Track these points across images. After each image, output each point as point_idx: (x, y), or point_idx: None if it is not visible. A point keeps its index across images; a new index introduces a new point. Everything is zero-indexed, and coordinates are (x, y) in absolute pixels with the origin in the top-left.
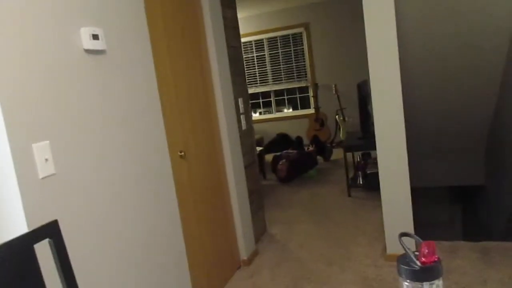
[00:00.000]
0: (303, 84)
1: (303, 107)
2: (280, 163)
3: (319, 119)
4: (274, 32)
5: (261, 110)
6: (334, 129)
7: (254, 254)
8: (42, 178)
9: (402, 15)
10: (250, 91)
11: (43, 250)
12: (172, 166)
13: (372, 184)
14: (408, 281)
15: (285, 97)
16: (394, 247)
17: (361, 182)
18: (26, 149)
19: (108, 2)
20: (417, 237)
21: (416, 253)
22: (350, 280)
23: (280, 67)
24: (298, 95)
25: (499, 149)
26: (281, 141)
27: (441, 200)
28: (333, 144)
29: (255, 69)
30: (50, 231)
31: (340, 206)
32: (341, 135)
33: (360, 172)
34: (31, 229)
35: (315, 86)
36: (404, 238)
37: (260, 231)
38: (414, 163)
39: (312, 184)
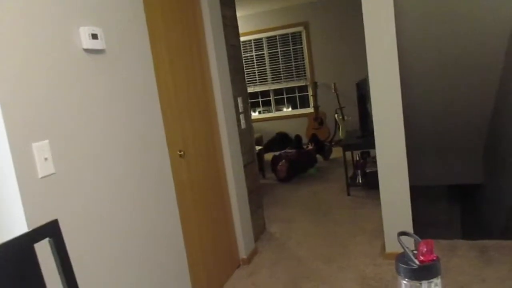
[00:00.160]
0: (302, 83)
1: (302, 106)
2: (280, 163)
3: (318, 118)
4: (273, 31)
5: (261, 109)
6: (333, 128)
7: (254, 253)
8: (42, 178)
9: (401, 13)
10: (249, 90)
11: (43, 250)
12: (172, 165)
13: (371, 183)
14: (406, 279)
15: (284, 96)
16: (393, 246)
17: (360, 181)
18: (25, 149)
19: (107, 1)
20: (416, 236)
21: (415, 251)
22: (349, 279)
23: (279, 66)
24: (297, 94)
25: (497, 148)
26: (281, 140)
27: (440, 198)
28: (332, 143)
29: (254, 68)
30: (50, 230)
31: (339, 205)
32: (340, 134)
33: (359, 171)
34: (31, 228)
35: (314, 85)
36: (403, 237)
37: (259, 230)
38: (413, 161)
39: (311, 183)
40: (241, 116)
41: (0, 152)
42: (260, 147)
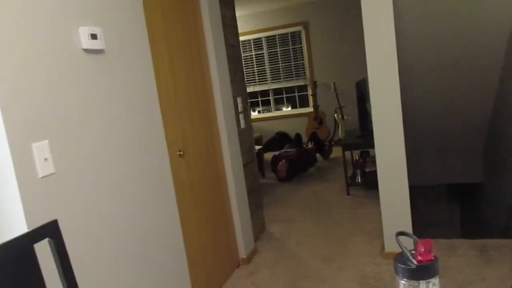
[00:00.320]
0: (301, 83)
1: (302, 106)
2: (280, 163)
3: (317, 118)
4: (273, 30)
5: (260, 108)
6: (333, 128)
7: (253, 252)
8: (42, 178)
9: (401, 14)
10: (249, 89)
11: (43, 250)
12: (171, 165)
13: (370, 183)
14: (404, 279)
15: (284, 95)
16: (392, 245)
17: (359, 181)
18: (25, 149)
19: (107, 2)
20: (414, 236)
21: (413, 251)
22: (348, 278)
23: (279, 66)
24: (296, 94)
25: (497, 148)
26: (280, 140)
27: (440, 198)
28: (332, 143)
29: (253, 67)
30: (50, 230)
31: (339, 205)
32: (339, 133)
33: (358, 171)
34: (31, 228)
35: (314, 85)
36: (401, 237)
37: (259, 229)
38: (413, 161)
39: (311, 182)
40: (241, 116)
41: (0, 152)
42: (259, 147)
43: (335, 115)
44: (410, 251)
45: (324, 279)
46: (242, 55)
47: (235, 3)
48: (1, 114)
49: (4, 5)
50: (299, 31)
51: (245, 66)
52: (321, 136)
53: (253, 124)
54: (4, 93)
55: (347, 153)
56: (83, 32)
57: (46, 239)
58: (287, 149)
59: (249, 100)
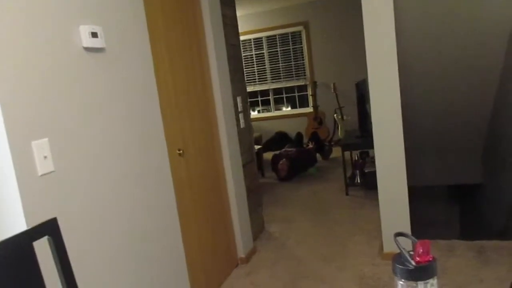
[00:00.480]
0: (301, 83)
1: (301, 106)
2: (281, 162)
3: (317, 118)
4: (273, 30)
5: (260, 108)
6: (332, 128)
7: (252, 252)
8: (41, 176)
9: (401, 14)
10: (249, 89)
11: (42, 248)
12: (171, 164)
13: (370, 183)
14: (403, 280)
15: (284, 95)
16: (391, 246)
17: (359, 181)
18: (25, 147)
19: (107, 0)
20: (412, 237)
21: (411, 252)
22: (347, 278)
23: (279, 66)
24: (296, 94)
25: (497, 148)
26: (280, 140)
27: (439, 199)
28: (332, 143)
29: (254, 67)
30: (49, 228)
31: (338, 205)
32: (339, 133)
33: (358, 171)
34: (30, 225)
35: (314, 85)
36: (400, 238)
37: (258, 229)
38: (412, 161)
39: (310, 182)
40: (240, 116)
41: None
42: (259, 147)
43: (335, 115)
44: (408, 252)
45: (323, 279)
46: (242, 54)
47: (236, 2)
48: (1, 111)
49: (5, 3)
50: (300, 31)
51: (245, 66)
52: (321, 136)
53: (253, 123)
54: (4, 91)
55: (347, 154)
56: (84, 30)
57: (45, 237)
58: (288, 149)
59: (249, 100)
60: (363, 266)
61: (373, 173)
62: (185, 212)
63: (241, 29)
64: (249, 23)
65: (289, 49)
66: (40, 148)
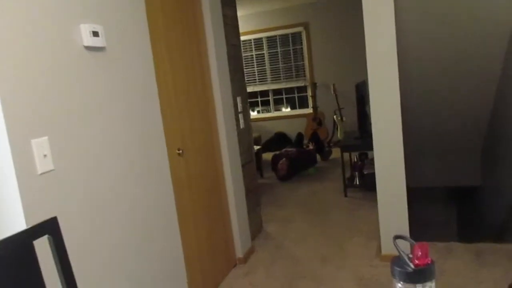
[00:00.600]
0: (301, 84)
1: (301, 107)
2: (281, 161)
3: (317, 119)
4: (273, 31)
5: (259, 108)
6: (331, 129)
7: (250, 252)
8: (41, 174)
9: (402, 16)
10: (249, 89)
11: (41, 246)
12: (170, 164)
13: (368, 184)
14: (401, 282)
15: (284, 96)
16: (389, 248)
17: (357, 182)
18: (25, 145)
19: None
20: (411, 240)
21: (410, 255)
22: (345, 280)
23: (279, 66)
24: (296, 94)
25: (496, 150)
26: (279, 140)
27: (438, 200)
28: (331, 144)
29: (254, 67)
30: (49, 227)
31: (336, 206)
32: (338, 134)
33: (357, 172)
34: (29, 224)
35: (314, 86)
36: (398, 240)
37: (256, 229)
38: (411, 163)
39: (309, 183)
40: (240, 116)
41: None
42: (258, 147)
43: (334, 116)
44: (407, 254)
45: (321, 280)
46: (243, 54)
47: (237, 2)
48: (1, 110)
49: (6, 2)
50: (300, 32)
51: (245, 66)
52: (320, 137)
53: (252, 124)
54: (5, 88)
55: (346, 155)
56: (85, 29)
57: (45, 236)
58: (288, 149)
59: (249, 100)
60: (361, 267)
61: (372, 175)
62: (184, 212)
63: (241, 29)
64: (249, 24)
65: (289, 49)
66: (40, 146)
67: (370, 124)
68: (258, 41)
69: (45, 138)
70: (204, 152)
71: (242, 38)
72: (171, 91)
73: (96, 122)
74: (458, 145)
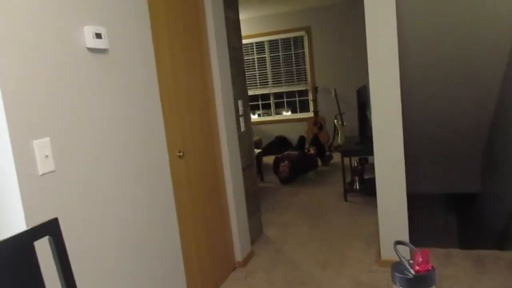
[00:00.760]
0: (302, 87)
1: (302, 110)
2: (282, 164)
3: (317, 123)
4: (275, 34)
5: (260, 112)
6: (332, 133)
7: (250, 256)
8: (42, 175)
9: (403, 22)
10: (250, 92)
11: (41, 247)
12: (170, 166)
13: (368, 189)
14: None
15: (285, 99)
16: (388, 253)
17: (358, 187)
18: (26, 146)
19: (111, 1)
20: (412, 246)
21: (410, 261)
22: (344, 285)
23: (280, 70)
24: (297, 98)
25: (496, 157)
26: (280, 144)
27: (438, 206)
28: (331, 149)
29: (255, 71)
30: (50, 228)
31: (336, 210)
32: (339, 139)
33: (357, 177)
34: (30, 225)
35: (315, 90)
36: (398, 246)
37: (256, 233)
38: (411, 169)
39: (309, 187)
40: (241, 119)
41: (1, 149)
42: (259, 150)
43: (335, 121)
44: (408, 260)
45: (320, 285)
46: (244, 58)
47: (239, 6)
48: (3, 110)
49: (9, 3)
50: (302, 36)
51: (246, 69)
52: (321, 141)
53: (253, 127)
54: (7, 90)
55: (346, 160)
56: (88, 31)
57: (46, 237)
58: (290, 152)
59: (250, 103)
60: (361, 273)
61: (372, 180)
62: (183, 214)
63: (243, 32)
64: (251, 27)
65: (291, 53)
66: (42, 147)
67: (370, 129)
68: (260, 45)
69: (47, 139)
70: (204, 155)
71: (244, 41)
72: (173, 93)
73: (97, 123)
74: (458, 152)
